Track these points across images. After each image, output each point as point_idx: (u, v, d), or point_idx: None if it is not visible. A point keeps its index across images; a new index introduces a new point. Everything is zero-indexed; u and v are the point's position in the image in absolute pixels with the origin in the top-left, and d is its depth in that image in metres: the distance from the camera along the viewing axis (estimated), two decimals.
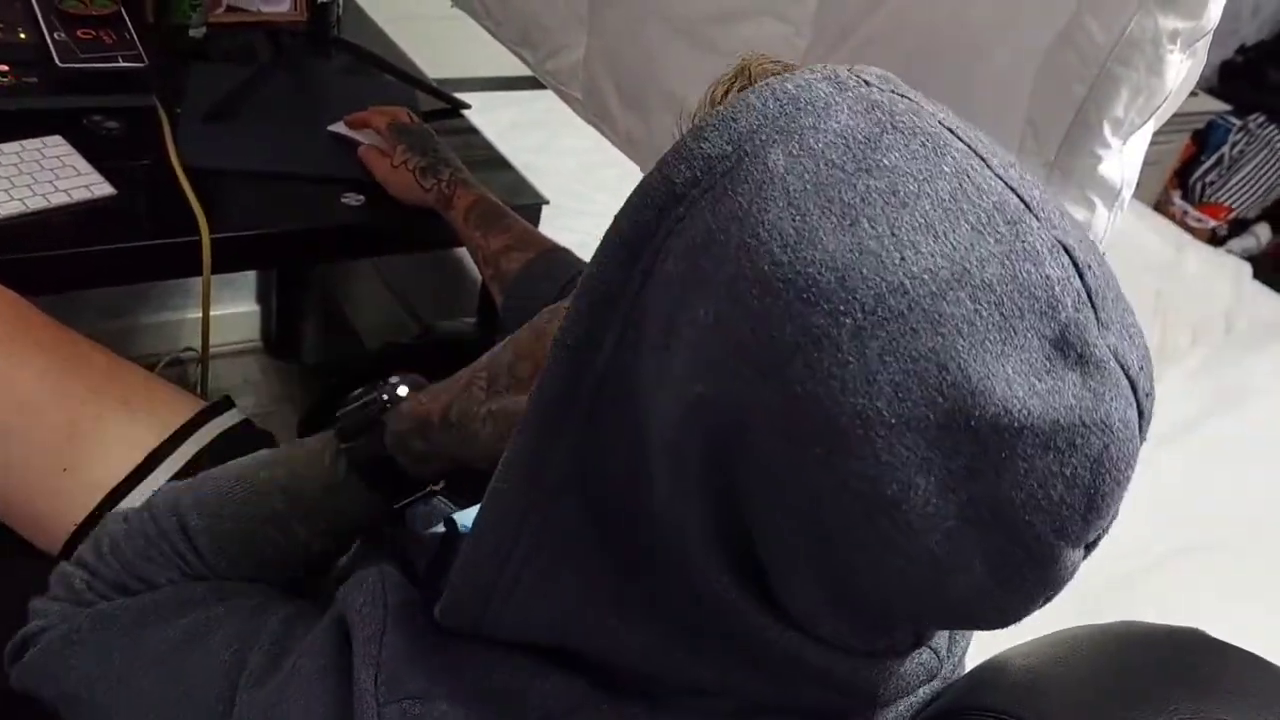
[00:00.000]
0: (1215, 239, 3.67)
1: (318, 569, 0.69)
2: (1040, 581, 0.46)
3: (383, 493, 0.71)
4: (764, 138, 0.46)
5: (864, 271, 0.42)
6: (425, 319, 1.80)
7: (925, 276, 0.42)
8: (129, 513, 0.75)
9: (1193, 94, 0.83)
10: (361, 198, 1.25)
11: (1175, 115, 0.85)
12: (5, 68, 1.23)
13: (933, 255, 0.42)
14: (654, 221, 0.47)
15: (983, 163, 0.46)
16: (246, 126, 1.32)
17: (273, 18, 1.59)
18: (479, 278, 1.33)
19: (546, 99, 1.56)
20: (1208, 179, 3.77)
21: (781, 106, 0.46)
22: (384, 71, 1.55)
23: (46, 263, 1.06)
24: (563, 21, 1.36)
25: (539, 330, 0.63)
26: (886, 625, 0.53)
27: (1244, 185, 3.71)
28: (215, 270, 1.13)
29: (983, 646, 0.63)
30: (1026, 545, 0.44)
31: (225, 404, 1.00)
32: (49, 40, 1.27)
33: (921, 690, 0.59)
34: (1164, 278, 2.45)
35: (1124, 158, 0.80)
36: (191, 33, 1.47)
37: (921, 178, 0.44)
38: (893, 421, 0.42)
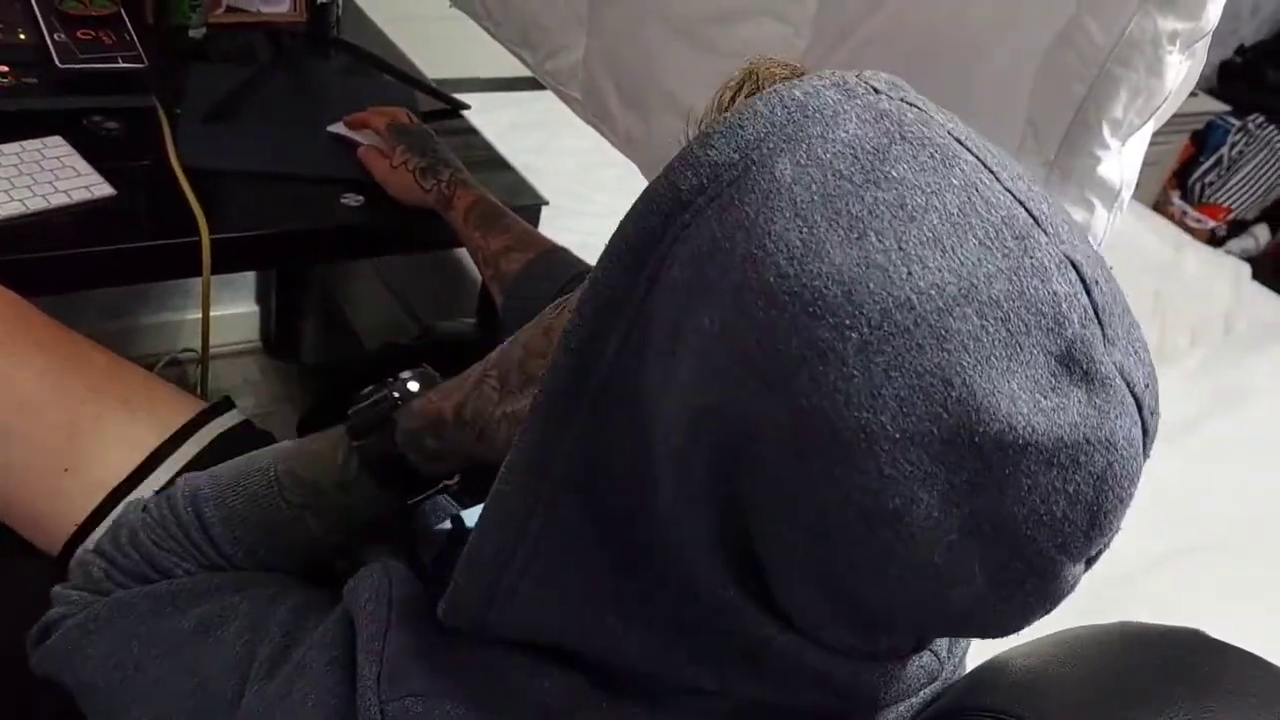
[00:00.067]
0: (1214, 239, 3.67)
1: (331, 563, 0.69)
2: (1041, 595, 0.46)
3: (395, 490, 0.71)
4: (771, 146, 0.45)
5: (870, 286, 0.42)
6: (425, 319, 1.80)
7: (932, 292, 0.42)
8: (148, 502, 0.75)
9: (1192, 94, 0.83)
10: (361, 198, 1.25)
11: (1174, 116, 0.85)
12: (5, 68, 1.23)
13: (940, 270, 0.42)
14: (660, 228, 0.47)
15: (992, 176, 0.46)
16: (246, 127, 1.32)
17: (272, 18, 1.59)
18: (479, 278, 1.33)
19: (546, 99, 1.56)
20: (1207, 180, 3.77)
21: (789, 114, 0.46)
22: (383, 72, 1.55)
23: (46, 263, 1.06)
24: (562, 22, 1.36)
25: (548, 326, 0.63)
26: (887, 631, 0.53)
27: (1243, 186, 3.72)
28: (215, 271, 1.13)
29: (983, 647, 0.63)
30: (1028, 560, 0.44)
31: (225, 404, 1.00)
32: (49, 41, 1.27)
33: (922, 691, 0.59)
34: (1163, 278, 2.45)
35: (1123, 158, 0.80)
36: (191, 33, 1.47)
37: (930, 190, 0.44)
38: (897, 436, 0.42)
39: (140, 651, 0.68)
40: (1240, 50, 3.80)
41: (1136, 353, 0.45)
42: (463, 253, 1.32)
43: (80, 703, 0.71)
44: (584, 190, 2.00)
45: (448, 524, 0.78)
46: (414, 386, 0.70)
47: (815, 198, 0.44)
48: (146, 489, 0.91)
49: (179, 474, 0.93)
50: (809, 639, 0.51)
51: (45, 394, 0.91)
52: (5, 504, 0.92)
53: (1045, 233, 0.45)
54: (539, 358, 0.62)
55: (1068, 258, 0.44)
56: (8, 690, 0.89)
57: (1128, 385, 0.44)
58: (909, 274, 0.42)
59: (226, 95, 1.33)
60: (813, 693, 0.54)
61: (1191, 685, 0.53)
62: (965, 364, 0.41)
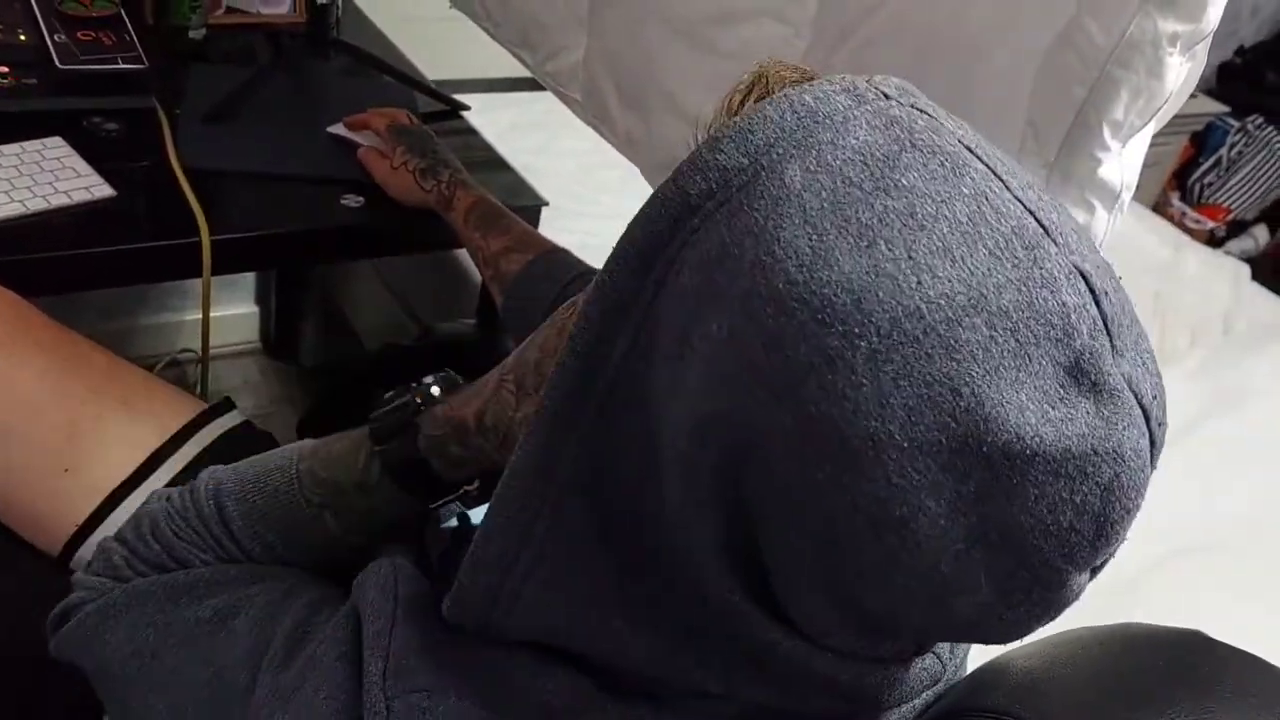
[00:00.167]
0: (1214, 240, 3.67)
1: (348, 563, 0.69)
2: (1046, 604, 0.46)
3: (416, 495, 0.71)
4: (781, 152, 0.45)
5: (880, 294, 0.42)
6: (425, 320, 1.80)
7: (941, 301, 0.42)
8: (171, 492, 0.75)
9: (1191, 96, 0.83)
10: (361, 199, 1.25)
11: (1174, 117, 0.85)
12: (5, 69, 1.23)
13: (949, 280, 0.42)
14: (668, 232, 0.47)
15: (1002, 184, 0.46)
16: (246, 128, 1.32)
17: (272, 19, 1.59)
18: (479, 279, 1.34)
19: (546, 100, 1.56)
20: (1206, 180, 3.77)
21: (799, 120, 0.46)
22: (383, 73, 1.55)
23: (46, 264, 1.06)
24: (562, 23, 1.36)
25: (562, 328, 0.62)
26: (892, 636, 0.53)
27: (1242, 187, 3.72)
28: (215, 272, 1.13)
29: (984, 648, 0.63)
30: (1034, 569, 0.44)
31: (226, 405, 1.00)
32: (49, 42, 1.26)
33: (925, 693, 0.59)
34: (1163, 279, 2.45)
35: (1124, 160, 0.80)
36: (191, 34, 1.47)
37: (940, 199, 0.44)
38: (905, 445, 0.42)
39: (156, 640, 0.68)
40: (1240, 51, 3.80)
41: (1145, 364, 0.46)
42: (463, 253, 1.32)
43: (97, 689, 0.72)
44: (584, 191, 2.00)
45: (454, 522, 0.78)
46: (436, 391, 0.70)
47: (825, 205, 0.43)
48: (147, 490, 0.91)
49: (180, 475, 0.93)
50: (814, 644, 0.51)
51: (45, 394, 0.91)
52: (5, 504, 0.92)
53: (1055, 243, 0.45)
54: (553, 359, 0.62)
55: (1077, 268, 0.44)
56: (8, 690, 0.89)
57: (1136, 396, 0.44)
58: (919, 283, 0.42)
59: (226, 96, 1.33)
60: (819, 697, 0.54)
61: (1192, 686, 0.54)
62: (974, 374, 0.41)
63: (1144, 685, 0.54)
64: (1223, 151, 3.73)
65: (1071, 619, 0.61)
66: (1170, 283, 2.45)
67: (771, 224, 0.44)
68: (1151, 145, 0.84)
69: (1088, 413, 0.43)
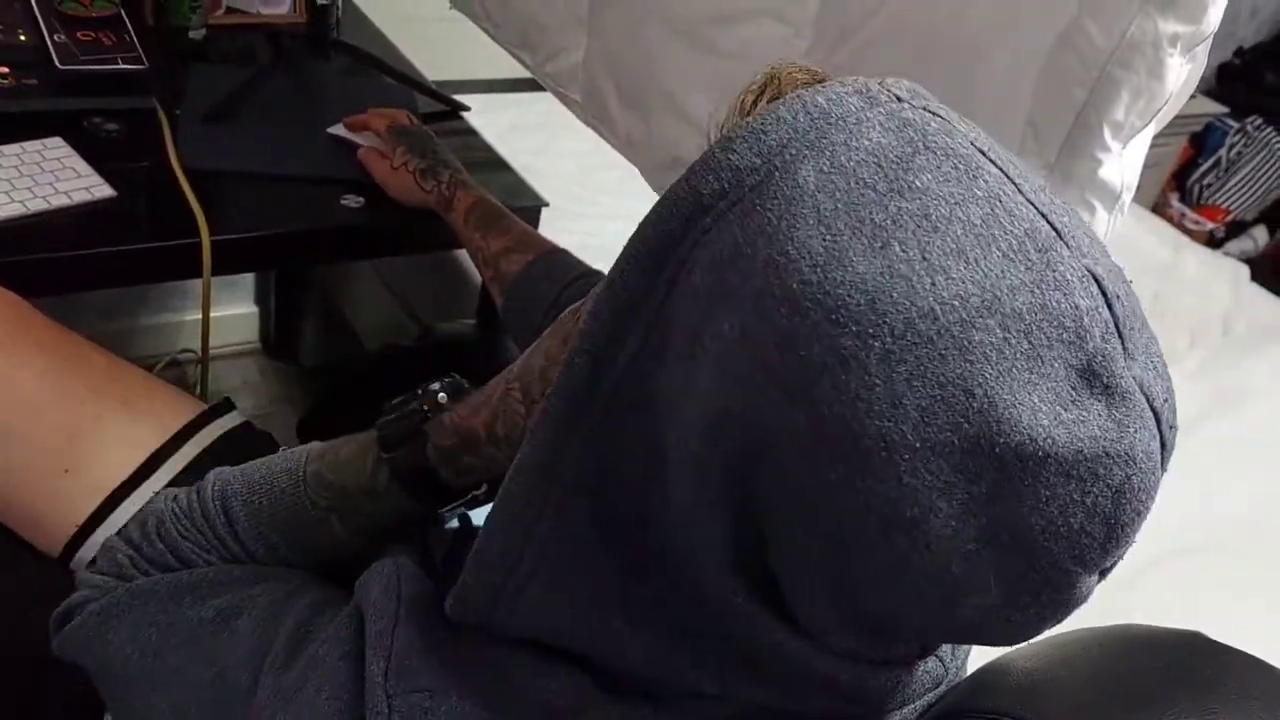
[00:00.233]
0: (1213, 241, 3.68)
1: (351, 568, 0.69)
2: (1055, 605, 0.47)
3: (425, 501, 0.71)
4: (794, 152, 0.45)
5: (894, 295, 0.42)
6: (425, 320, 1.80)
7: (955, 303, 0.42)
8: (178, 492, 0.75)
9: (1190, 96, 0.84)
10: (361, 199, 1.25)
11: (1173, 117, 0.85)
12: (5, 69, 1.23)
13: (963, 281, 0.42)
14: (679, 231, 0.47)
15: (1015, 188, 0.46)
16: (246, 128, 1.32)
17: (272, 19, 1.59)
18: (479, 279, 1.34)
19: (546, 101, 1.56)
20: (1205, 181, 3.77)
21: (812, 121, 0.46)
22: (383, 73, 1.55)
23: (46, 265, 1.06)
24: (562, 23, 1.36)
25: (567, 333, 0.62)
26: (896, 638, 0.53)
27: (1241, 187, 3.72)
28: (215, 272, 1.13)
29: (985, 649, 0.63)
30: (1044, 571, 0.44)
31: (226, 405, 1.00)
32: (49, 42, 1.26)
33: (926, 696, 0.59)
34: (1162, 280, 2.45)
35: (1124, 161, 0.80)
36: (191, 34, 1.47)
37: (954, 201, 0.44)
38: (917, 445, 0.42)
39: (159, 639, 0.68)
40: (1239, 52, 3.81)
41: (1155, 367, 0.46)
42: (463, 254, 1.32)
43: (100, 689, 0.72)
44: (584, 192, 2.00)
45: (455, 522, 0.78)
46: (443, 398, 0.70)
47: (839, 205, 0.44)
48: (147, 490, 0.91)
49: (180, 475, 0.93)
50: (817, 645, 0.51)
51: (45, 395, 0.91)
52: (5, 504, 0.91)
53: (1067, 246, 0.45)
54: (557, 365, 0.62)
55: (1090, 271, 0.44)
56: (8, 690, 0.89)
57: (1147, 399, 0.44)
58: (933, 284, 0.42)
59: (226, 96, 1.33)
60: (818, 698, 0.54)
61: (1193, 688, 0.53)
62: (987, 375, 0.42)
63: (1144, 687, 0.54)
64: (1222, 152, 3.73)
65: (1071, 620, 0.61)
66: (1169, 284, 2.46)
67: (785, 224, 0.44)
68: (1150, 146, 0.84)
69: (1100, 415, 0.43)
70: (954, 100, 0.51)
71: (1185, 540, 1.67)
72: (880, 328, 0.42)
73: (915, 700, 0.58)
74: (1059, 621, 0.48)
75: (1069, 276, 0.44)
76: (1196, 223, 3.73)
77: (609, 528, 0.52)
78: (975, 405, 0.41)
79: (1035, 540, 0.43)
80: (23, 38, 1.28)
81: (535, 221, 1.39)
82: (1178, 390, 0.48)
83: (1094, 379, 0.43)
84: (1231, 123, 3.71)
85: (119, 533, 0.76)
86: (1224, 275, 2.65)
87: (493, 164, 1.48)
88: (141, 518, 0.76)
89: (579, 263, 1.09)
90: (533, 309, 1.05)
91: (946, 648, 0.59)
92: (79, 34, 1.29)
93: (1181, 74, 0.76)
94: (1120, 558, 0.47)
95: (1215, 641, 0.58)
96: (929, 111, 0.48)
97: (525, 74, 1.52)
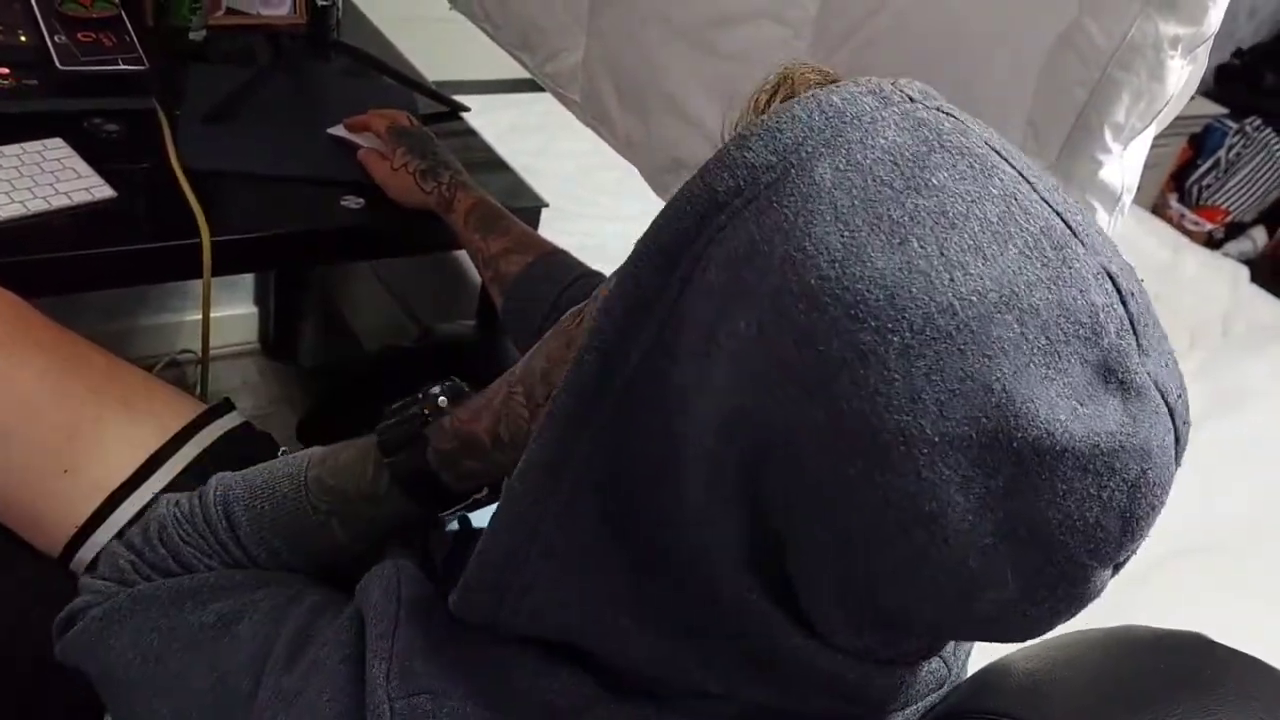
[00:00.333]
0: (1212, 242, 3.68)
1: (352, 572, 0.69)
2: (1070, 599, 0.47)
3: (426, 505, 0.71)
4: (810, 150, 0.45)
5: (913, 291, 0.42)
6: (424, 321, 1.80)
7: (974, 298, 0.42)
8: (180, 497, 0.75)
9: (1189, 97, 0.84)
10: (361, 200, 1.25)
11: (1172, 119, 0.85)
12: (6, 70, 1.23)
13: (981, 277, 0.43)
14: (694, 229, 0.47)
15: (1030, 186, 0.46)
16: (246, 129, 1.32)
17: (272, 20, 1.59)
18: (478, 280, 1.34)
19: (545, 102, 1.56)
20: (1204, 182, 3.77)
21: (827, 119, 0.46)
22: (383, 74, 1.55)
23: (47, 265, 1.06)
24: (561, 24, 1.36)
25: (569, 336, 0.62)
26: (908, 634, 0.53)
27: (1241, 188, 3.72)
28: (215, 273, 1.13)
29: (986, 649, 0.63)
30: (1060, 565, 0.45)
31: (226, 406, 1.00)
32: (49, 43, 1.26)
33: (929, 697, 0.59)
34: (1161, 281, 2.45)
35: (1124, 162, 0.80)
36: (191, 35, 1.47)
37: (970, 199, 0.44)
38: (936, 439, 0.42)
39: (161, 644, 0.68)
40: (1238, 53, 3.81)
41: (1168, 364, 0.46)
42: (462, 255, 1.32)
43: (102, 694, 0.72)
44: (583, 193, 2.00)
45: (455, 524, 0.78)
46: (443, 401, 0.70)
47: (856, 202, 0.44)
48: (147, 491, 0.91)
49: (179, 476, 0.93)
50: (826, 643, 0.51)
51: (45, 395, 0.91)
52: (5, 505, 0.92)
53: (1082, 244, 0.45)
54: (560, 368, 0.62)
55: (1104, 269, 0.45)
56: (8, 690, 0.89)
57: (1161, 395, 0.45)
58: (951, 280, 0.42)
59: (227, 97, 1.33)
60: (820, 698, 0.54)
61: (1194, 689, 0.54)
62: (1005, 370, 0.42)
63: (1145, 688, 0.55)
64: (1221, 153, 3.74)
65: (1074, 620, 0.61)
66: (1169, 284, 2.46)
67: (802, 220, 0.44)
68: (1150, 147, 0.84)
69: (1115, 410, 0.43)
70: (954, 101, 0.51)
71: (1186, 540, 1.67)
72: (899, 323, 0.42)
73: (919, 701, 0.58)
74: (1073, 615, 0.48)
75: (1085, 273, 0.44)
76: (1196, 224, 3.74)
77: (618, 526, 0.52)
78: (993, 400, 0.42)
79: (1052, 534, 0.44)
80: (23, 38, 1.28)
81: (535, 222, 1.39)
82: None
83: (1110, 374, 0.43)
84: (1230, 124, 3.71)
85: (121, 538, 0.76)
86: (1223, 276, 2.66)
87: (492, 165, 1.48)
88: (144, 523, 0.76)
89: (579, 264, 1.09)
90: (533, 310, 1.05)
91: (950, 648, 0.59)
92: (79, 35, 1.29)
93: (1182, 76, 0.76)
94: (1134, 552, 0.47)
95: (1216, 643, 0.58)
96: (942, 112, 0.48)
97: (525, 75, 1.52)
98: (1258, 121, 3.68)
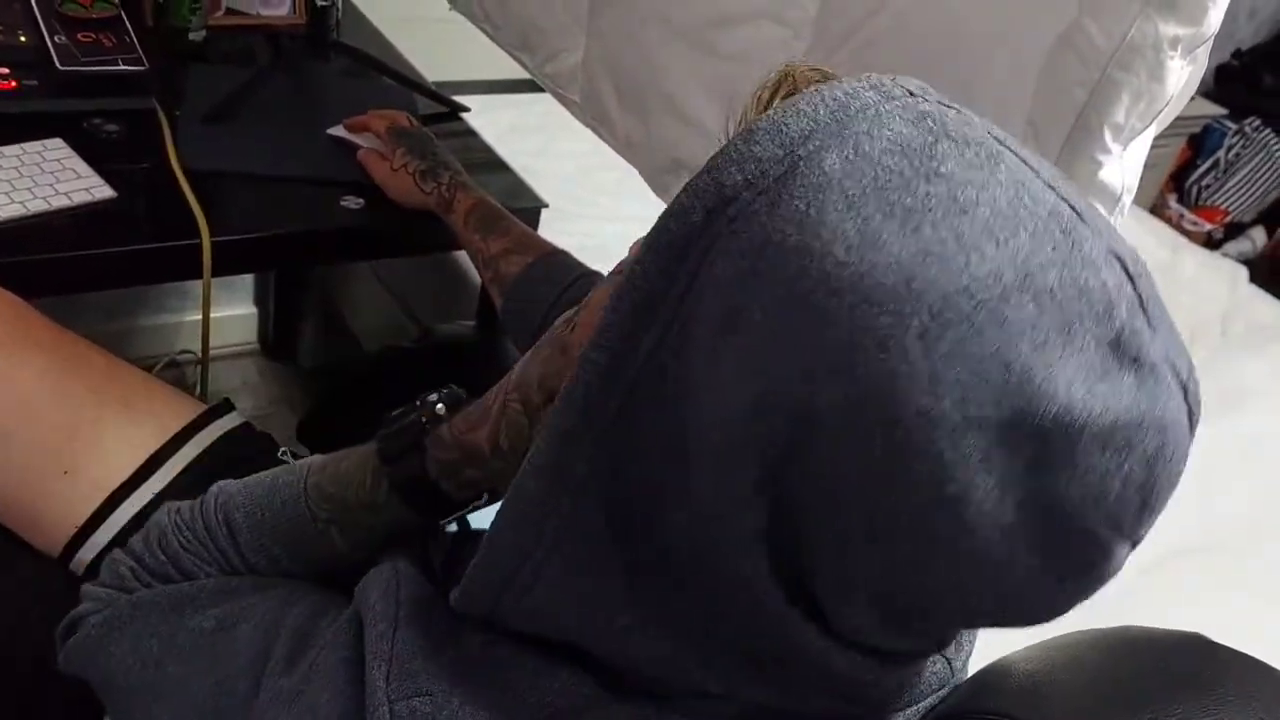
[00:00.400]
0: (1211, 242, 3.68)
1: (350, 579, 0.69)
2: (1092, 577, 0.47)
3: (426, 513, 0.71)
4: (818, 143, 0.46)
5: (930, 274, 0.42)
6: (424, 322, 1.80)
7: (990, 280, 0.43)
8: (182, 505, 0.75)
9: (1189, 98, 0.84)
10: (361, 201, 1.25)
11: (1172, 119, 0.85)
12: (6, 70, 1.23)
13: (996, 260, 0.43)
14: (702, 223, 0.47)
15: (1034, 174, 0.47)
16: (246, 129, 1.32)
17: (272, 21, 1.59)
18: (478, 281, 1.34)
19: (545, 102, 1.56)
20: (1203, 183, 3.78)
21: (832, 113, 0.47)
22: (383, 75, 1.55)
23: (47, 265, 1.06)
24: (561, 25, 1.36)
25: (562, 342, 0.62)
26: (927, 625, 0.53)
27: (1240, 189, 3.72)
28: (215, 273, 1.13)
29: (986, 650, 0.63)
30: (1082, 542, 0.45)
31: (225, 406, 1.00)
32: (49, 43, 1.27)
33: (931, 697, 0.59)
34: (1160, 281, 2.40)
35: (1124, 163, 0.80)
36: (191, 36, 1.47)
37: (979, 185, 0.45)
38: (958, 420, 0.42)
39: (160, 650, 0.68)
40: (1237, 54, 3.81)
41: (1176, 343, 0.47)
42: (462, 255, 1.33)
43: (104, 701, 0.72)
44: (583, 193, 2.00)
45: (454, 526, 0.78)
46: (441, 410, 0.69)
47: (867, 191, 0.44)
48: (147, 491, 0.91)
49: (179, 476, 0.93)
50: (837, 641, 0.51)
51: (45, 395, 0.91)
52: (5, 505, 0.92)
53: (1089, 227, 0.46)
54: (556, 375, 0.62)
55: (1112, 250, 0.46)
56: (8, 690, 0.89)
57: (1174, 372, 0.46)
58: (967, 263, 0.43)
59: (226, 97, 1.33)
60: (822, 698, 0.54)
61: (1194, 689, 0.54)
62: (1024, 349, 0.42)
63: (1144, 689, 0.55)
64: (1220, 154, 3.74)
65: (1072, 620, 0.61)
66: (1168, 285, 2.41)
67: (815, 210, 0.44)
68: (1149, 147, 0.84)
69: (1131, 386, 0.44)
70: (954, 99, 0.51)
71: (1185, 540, 1.67)
72: (918, 306, 0.42)
73: (921, 701, 0.58)
74: (1093, 594, 0.49)
75: (1094, 255, 0.45)
76: (1195, 224, 3.74)
77: (619, 526, 0.52)
78: (1013, 379, 0.42)
79: (1074, 511, 0.44)
80: (23, 39, 1.28)
81: (535, 223, 1.39)
82: None
83: (1123, 352, 0.44)
84: (1230, 124, 3.71)
85: (123, 545, 0.76)
86: (1222, 276, 2.66)
87: (492, 165, 1.48)
88: (145, 530, 0.76)
89: (579, 264, 1.09)
90: (532, 311, 1.05)
91: (952, 649, 0.59)
92: (79, 35, 1.29)
93: (1182, 76, 0.76)
94: (1150, 527, 0.48)
95: (1215, 643, 0.58)
96: (944, 104, 0.49)
97: (524, 75, 1.52)
98: (1257, 122, 3.68)
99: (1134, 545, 0.48)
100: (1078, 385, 0.43)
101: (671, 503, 0.50)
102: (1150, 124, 0.78)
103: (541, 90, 1.50)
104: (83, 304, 1.81)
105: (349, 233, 1.26)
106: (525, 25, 1.44)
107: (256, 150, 1.29)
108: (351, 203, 1.24)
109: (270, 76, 1.43)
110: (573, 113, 1.42)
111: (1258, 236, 3.85)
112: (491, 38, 1.53)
